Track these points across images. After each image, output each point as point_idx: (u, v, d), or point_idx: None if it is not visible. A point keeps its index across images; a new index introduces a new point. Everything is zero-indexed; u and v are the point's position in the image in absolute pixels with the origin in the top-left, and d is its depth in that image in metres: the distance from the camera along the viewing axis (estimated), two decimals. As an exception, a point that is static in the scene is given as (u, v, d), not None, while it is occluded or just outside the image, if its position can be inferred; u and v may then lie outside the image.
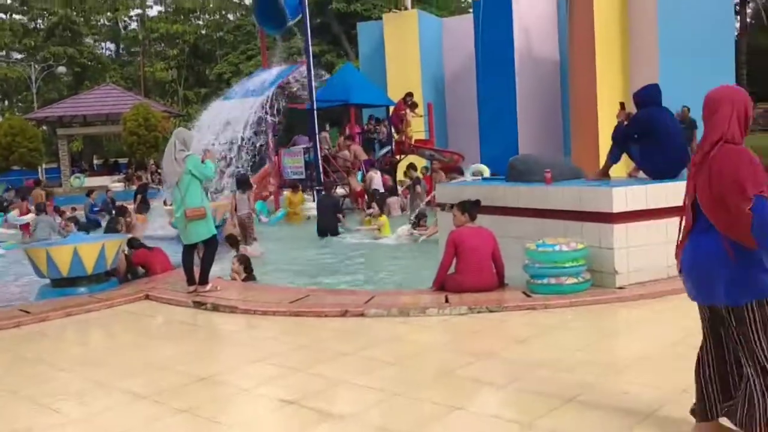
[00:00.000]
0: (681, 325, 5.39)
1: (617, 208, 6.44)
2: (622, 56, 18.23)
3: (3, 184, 33.39)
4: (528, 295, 6.41)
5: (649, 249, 6.61)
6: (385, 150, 19.23)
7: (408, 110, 18.83)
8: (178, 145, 7.58)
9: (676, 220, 6.66)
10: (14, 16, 49.62)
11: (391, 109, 19.74)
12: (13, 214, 15.91)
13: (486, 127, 20.37)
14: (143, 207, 14.98)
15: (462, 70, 22.84)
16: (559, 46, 21.24)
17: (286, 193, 16.41)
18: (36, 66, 43.25)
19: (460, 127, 23.04)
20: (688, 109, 15.54)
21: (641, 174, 7.56)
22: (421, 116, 20.11)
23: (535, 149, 19.03)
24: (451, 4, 44.86)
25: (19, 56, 48.66)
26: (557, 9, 21.67)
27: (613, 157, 7.23)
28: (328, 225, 12.87)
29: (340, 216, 13.51)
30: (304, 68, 17.37)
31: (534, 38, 20.84)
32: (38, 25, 47.97)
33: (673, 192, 6.67)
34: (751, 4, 35.16)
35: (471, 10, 26.43)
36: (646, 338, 5.29)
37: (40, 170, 37.64)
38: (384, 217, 12.17)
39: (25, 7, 48.46)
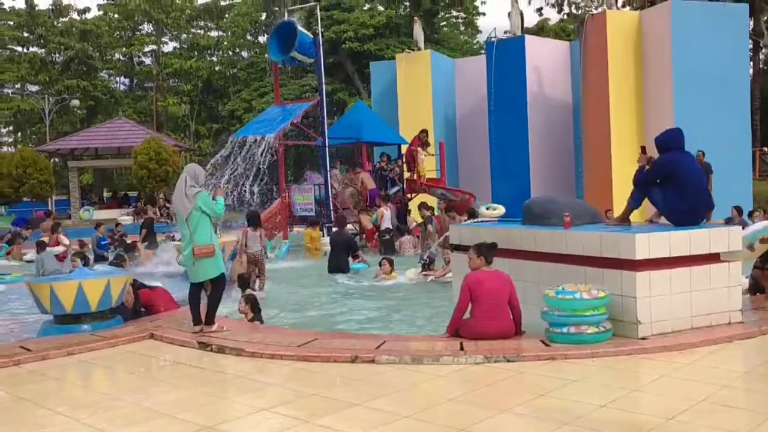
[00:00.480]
0: (709, 379, 5.14)
1: (640, 255, 6.21)
2: (636, 99, 18.19)
3: (13, 215, 33.48)
4: (547, 344, 6.15)
5: (673, 298, 6.37)
6: (396, 188, 19.10)
7: (420, 148, 18.74)
8: (188, 180, 7.43)
9: (700, 268, 6.52)
10: (32, 49, 50.30)
11: (404, 147, 19.68)
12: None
13: (498, 168, 20.26)
14: (150, 241, 14.83)
15: (474, 110, 22.85)
16: (572, 87, 21.22)
17: (306, 229, 16.19)
18: (50, 98, 43.68)
19: (472, 166, 22.96)
20: (703, 154, 15.37)
21: (662, 219, 7.34)
22: (432, 155, 20.00)
23: (547, 190, 18.90)
24: (464, 46, 45.28)
25: (35, 89, 49.21)
26: (570, 51, 21.73)
27: (634, 202, 7.03)
28: (339, 263, 12.66)
29: (360, 254, 13.34)
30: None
31: (546, 80, 20.86)
32: (55, 59, 48.58)
33: (696, 239, 6.48)
34: (763, 50, 35.19)
35: (483, 52, 26.56)
36: (672, 394, 5.01)
37: (50, 202, 37.77)
38: (395, 273, 11.87)
39: (43, 41, 49.13)
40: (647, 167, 7.02)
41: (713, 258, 6.55)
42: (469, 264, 6.78)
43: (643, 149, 6.62)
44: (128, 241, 15.75)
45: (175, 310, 8.91)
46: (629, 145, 17.61)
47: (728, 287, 6.61)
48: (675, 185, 6.68)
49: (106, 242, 17.79)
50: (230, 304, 8.75)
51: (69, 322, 7.94)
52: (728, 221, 13.16)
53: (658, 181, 6.82)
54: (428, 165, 19.77)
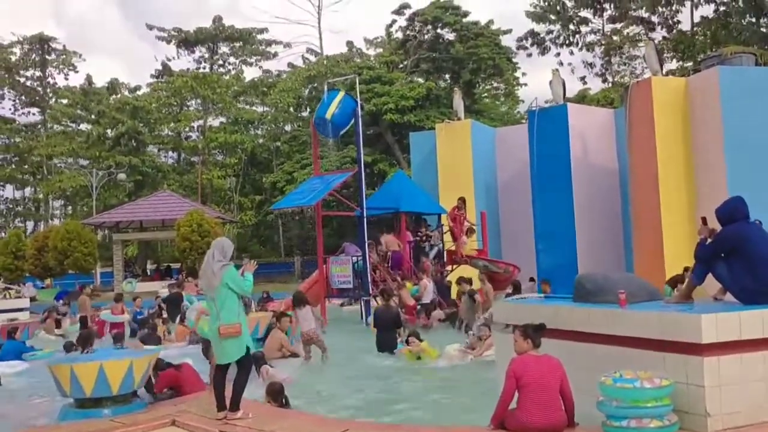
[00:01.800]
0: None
1: (707, 338, 5.55)
2: (686, 167, 17.52)
3: (57, 287, 33.83)
4: (604, 440, 5.48)
5: (746, 387, 5.66)
6: (435, 250, 18.60)
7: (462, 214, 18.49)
8: (216, 255, 7.08)
9: (774, 353, 5.82)
10: (83, 125, 52.06)
11: (443, 217, 19.28)
12: (107, 313, 16.26)
13: (542, 240, 19.56)
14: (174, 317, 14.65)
15: (516, 179, 22.37)
16: (618, 155, 20.65)
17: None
18: (98, 173, 44.78)
19: (514, 237, 22.33)
20: (760, 223, 14.57)
21: (728, 296, 6.67)
22: (474, 225, 19.55)
23: (595, 262, 18.12)
24: (504, 116, 45.31)
25: (85, 163, 50.61)
26: (614, 118, 21.27)
27: (697, 278, 6.40)
28: (387, 340, 12.01)
29: (401, 330, 12.57)
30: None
31: (590, 148, 20.34)
32: (107, 134, 50.13)
33: (770, 320, 5.80)
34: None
35: (524, 121, 26.31)
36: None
37: (95, 274, 38.21)
38: (425, 343, 11.23)
39: (98, 117, 50.80)
40: (709, 240, 6.41)
41: (791, 341, 5.84)
42: (515, 347, 6.19)
43: (704, 220, 6.10)
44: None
45: (202, 390, 8.46)
46: (680, 215, 16.86)
47: (809, 374, 5.87)
48: (743, 260, 6.06)
49: (142, 315, 17.56)
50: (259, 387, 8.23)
51: (89, 407, 7.55)
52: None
53: (723, 254, 6.21)
54: (470, 244, 19.28)
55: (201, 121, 54.05)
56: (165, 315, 17.23)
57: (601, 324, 6.44)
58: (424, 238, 18.92)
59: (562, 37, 48.13)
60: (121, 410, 7.49)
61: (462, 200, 18.99)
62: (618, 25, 46.87)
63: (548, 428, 5.75)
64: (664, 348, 5.85)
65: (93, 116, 51.73)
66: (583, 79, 49.41)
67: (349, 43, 52.87)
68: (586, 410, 5.86)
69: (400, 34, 47.17)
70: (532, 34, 48.14)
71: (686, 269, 14.47)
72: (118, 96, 53.66)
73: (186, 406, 7.62)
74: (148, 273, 38.97)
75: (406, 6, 45.91)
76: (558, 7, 46.59)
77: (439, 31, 44.50)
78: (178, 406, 7.74)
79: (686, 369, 5.66)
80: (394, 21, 47.56)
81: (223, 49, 58.29)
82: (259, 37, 56.73)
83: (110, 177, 45.27)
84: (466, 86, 41.86)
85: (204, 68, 57.10)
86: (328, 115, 16.84)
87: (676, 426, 5.52)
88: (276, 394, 7.67)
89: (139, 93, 55.08)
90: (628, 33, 46.51)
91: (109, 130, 50.22)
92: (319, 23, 54.04)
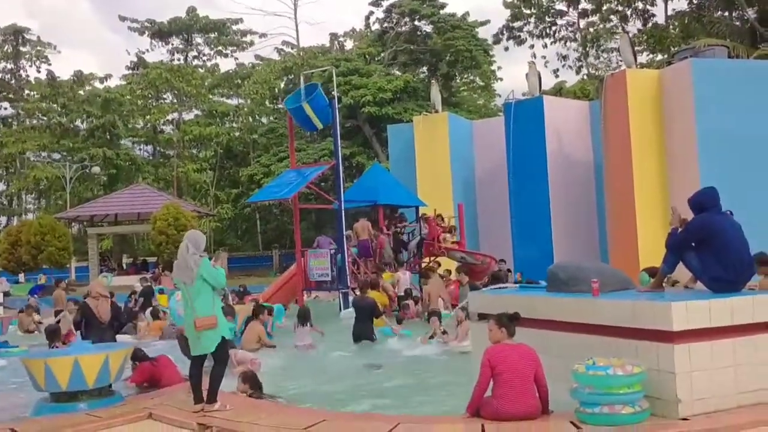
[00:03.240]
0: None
1: (678, 325, 5.65)
2: (659, 158, 17.75)
3: (31, 282, 33.40)
4: (578, 426, 5.56)
5: (715, 373, 5.77)
6: (416, 240, 18.68)
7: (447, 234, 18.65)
8: (190, 247, 7.04)
9: (744, 339, 5.94)
10: (54, 118, 51.26)
11: (422, 209, 19.37)
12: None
13: (519, 231, 19.75)
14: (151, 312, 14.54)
15: (493, 171, 22.52)
16: (593, 147, 20.86)
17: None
18: (71, 166, 44.23)
19: (491, 228, 22.49)
20: (731, 213, 14.82)
21: (698, 285, 6.79)
22: (452, 218, 19.66)
23: (571, 252, 18.33)
24: (481, 109, 45.49)
25: (58, 156, 49.95)
26: (590, 110, 21.47)
27: (668, 267, 6.51)
28: (363, 330, 12.12)
29: (383, 317, 12.78)
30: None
31: (566, 140, 20.54)
32: (77, 127, 49.44)
33: (739, 307, 5.92)
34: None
35: (501, 114, 26.43)
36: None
37: (70, 269, 37.76)
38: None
39: (65, 110, 50.11)
40: (680, 229, 6.52)
41: (759, 328, 5.96)
42: (490, 336, 6.25)
43: (674, 209, 6.21)
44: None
45: (179, 384, 8.43)
46: (654, 206, 17.08)
47: (777, 360, 6.00)
48: (714, 249, 6.18)
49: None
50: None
51: (64, 401, 7.47)
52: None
53: (693, 244, 6.32)
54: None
55: (176, 114, 53.56)
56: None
57: (575, 313, 6.53)
58: (402, 229, 18.98)
59: (538, 29, 48.49)
60: (97, 404, 7.43)
61: (440, 216, 19.12)
62: (593, 18, 47.27)
63: (523, 416, 5.82)
64: (636, 336, 5.95)
65: (60, 108, 50.97)
66: (556, 72, 49.80)
67: (333, 35, 52.72)
68: (561, 397, 5.94)
69: (377, 26, 47.13)
70: (508, 27, 48.42)
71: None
72: (89, 88, 52.88)
73: (163, 399, 7.59)
74: (124, 267, 38.58)
75: (383, -3, 45.88)
76: (533, 1, 46.95)
77: (416, 23, 44.53)
78: (155, 399, 7.70)
79: (657, 356, 5.75)
80: (371, 13, 47.53)
81: (198, 40, 57.77)
82: (234, 27, 56.31)
83: (84, 170, 44.73)
84: (443, 79, 41.95)
85: (178, 60, 56.54)
86: (318, 124, 16.94)
87: (648, 412, 5.62)
88: (252, 380, 7.67)
89: (111, 84, 54.37)
90: (603, 25, 46.89)
91: (79, 122, 49.55)
92: (295, 15, 53.62)
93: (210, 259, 7.22)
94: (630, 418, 5.50)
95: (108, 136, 48.77)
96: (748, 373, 5.86)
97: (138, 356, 8.76)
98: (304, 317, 12.16)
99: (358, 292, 14.44)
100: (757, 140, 17.18)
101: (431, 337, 11.30)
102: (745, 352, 5.89)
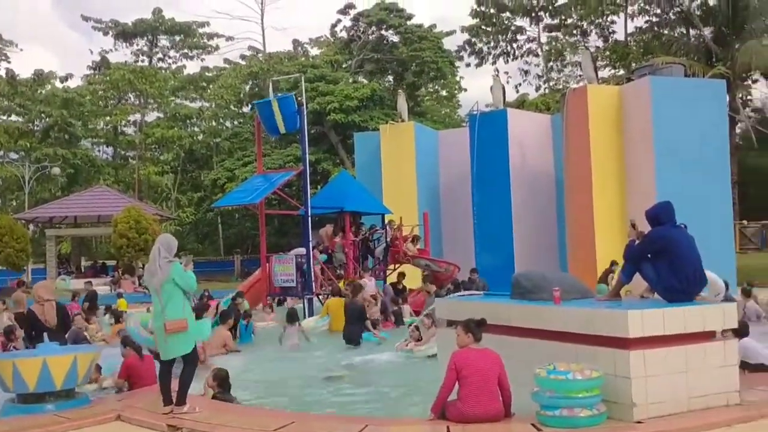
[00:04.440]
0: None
1: (633, 332, 5.95)
2: (618, 172, 18.27)
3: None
4: (538, 429, 5.81)
5: (669, 378, 6.08)
6: (382, 246, 18.88)
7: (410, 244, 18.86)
8: (162, 251, 7.13)
9: (695, 347, 6.27)
10: (12, 117, 50.21)
11: (387, 216, 19.57)
12: None
13: (482, 239, 20.15)
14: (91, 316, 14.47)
15: (457, 181, 22.87)
16: (554, 160, 21.36)
17: (331, 299, 15.55)
18: (30, 166, 43.38)
19: (455, 237, 22.82)
20: (686, 227, 15.36)
21: (654, 295, 7.13)
22: (415, 226, 19.90)
23: (531, 261, 18.74)
24: (446, 119, 45.99)
25: (15, 156, 48.90)
26: (551, 124, 21.98)
27: (626, 277, 6.83)
28: (353, 333, 12.39)
29: (368, 322, 13.02)
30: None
31: (529, 152, 21.01)
32: (35, 127, 48.51)
33: (691, 316, 6.25)
34: (738, 126, 35.97)
35: (465, 124, 26.84)
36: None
37: (27, 271, 36.99)
38: None
39: (23, 109, 49.15)
40: (638, 242, 6.84)
41: (708, 336, 6.30)
42: (457, 341, 6.47)
43: (633, 224, 6.50)
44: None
45: (151, 385, 8.47)
46: (612, 217, 17.58)
47: (725, 366, 6.34)
48: (668, 261, 6.50)
49: (78, 314, 17.19)
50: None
51: (32, 402, 7.48)
52: (717, 295, 12.99)
53: (649, 255, 6.63)
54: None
55: (138, 116, 52.91)
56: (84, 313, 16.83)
57: (537, 320, 6.79)
58: (370, 235, 19.14)
59: (498, 48, 49.56)
60: (64, 405, 7.46)
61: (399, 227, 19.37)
62: (554, 34, 48.31)
63: (486, 418, 6.05)
64: (594, 342, 6.23)
65: (18, 108, 49.91)
66: (517, 87, 50.68)
67: (295, 41, 52.72)
68: (523, 401, 6.18)
69: (344, 34, 47.34)
70: (470, 43, 49.36)
71: (613, 263, 15.25)
72: (49, 88, 51.91)
73: (131, 401, 7.63)
74: (83, 270, 37.99)
75: (351, 6, 46.11)
76: (494, 19, 47.91)
77: (383, 32, 44.85)
78: (124, 401, 7.75)
79: (614, 362, 6.04)
80: (338, 21, 47.73)
81: (164, 42, 57.23)
82: (201, 30, 55.93)
83: (43, 170, 43.94)
84: (409, 88, 42.32)
85: (143, 61, 55.92)
86: (281, 128, 17.02)
87: (605, 415, 5.89)
88: (222, 380, 7.74)
89: (71, 84, 53.45)
90: (566, 39, 47.89)
91: (37, 122, 48.61)
92: (262, 20, 53.57)
93: (180, 263, 7.31)
94: (588, 421, 5.77)
95: (66, 136, 47.91)
96: (699, 379, 6.18)
97: (128, 343, 8.82)
98: (292, 317, 12.53)
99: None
100: (710, 156, 17.85)
101: (407, 344, 11.45)
102: (696, 358, 6.21)
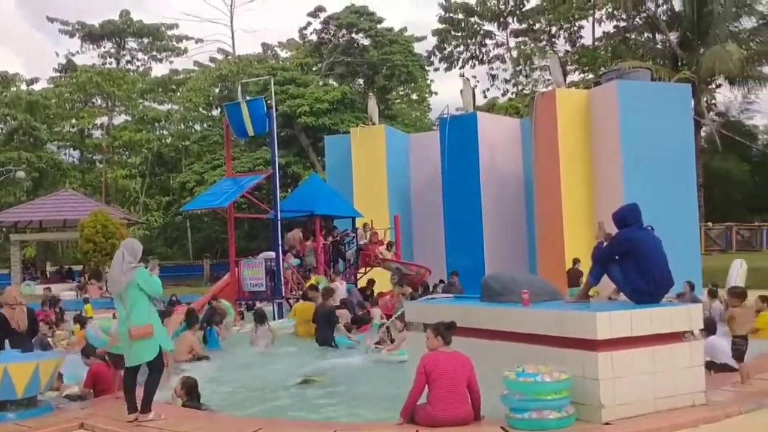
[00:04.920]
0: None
1: (601, 334, 5.97)
2: (586, 175, 18.46)
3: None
4: (507, 431, 5.80)
5: (636, 380, 6.11)
6: (353, 249, 18.82)
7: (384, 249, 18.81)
8: (126, 256, 7.00)
9: (662, 348, 6.31)
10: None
11: (358, 221, 19.52)
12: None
13: (452, 241, 20.20)
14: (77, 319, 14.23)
15: (428, 184, 22.91)
16: (523, 163, 21.51)
17: (299, 302, 15.32)
18: (-6, 169, 42.50)
19: (426, 240, 22.84)
20: (652, 229, 15.53)
21: (621, 296, 7.17)
22: (387, 229, 19.89)
23: (502, 264, 18.82)
24: (417, 122, 46.06)
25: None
26: (521, 127, 22.13)
27: (594, 279, 6.86)
28: (326, 336, 12.33)
29: (340, 325, 12.96)
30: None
31: (498, 155, 21.12)
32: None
33: (658, 318, 6.29)
34: (703, 130, 36.59)
35: (435, 128, 26.91)
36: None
37: (-10, 276, 36.19)
38: None
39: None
40: (605, 243, 6.88)
41: (675, 337, 6.35)
42: (427, 344, 6.44)
43: (600, 225, 6.57)
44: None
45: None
46: (581, 219, 17.75)
47: (691, 367, 6.41)
48: (635, 262, 6.54)
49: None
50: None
51: (-9, 411, 7.29)
52: (680, 296, 13.17)
53: (617, 257, 6.67)
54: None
55: (105, 118, 52.14)
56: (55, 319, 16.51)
57: (506, 322, 6.79)
58: (342, 238, 19.07)
59: (467, 53, 49.89)
60: (26, 414, 7.28)
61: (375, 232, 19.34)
62: (522, 39, 48.69)
63: (455, 421, 6.02)
64: (563, 344, 6.25)
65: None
66: (485, 92, 50.99)
67: (265, 44, 52.39)
68: (493, 404, 6.17)
69: (314, 37, 47.19)
70: (439, 48, 49.63)
71: (575, 261, 15.42)
72: (14, 90, 50.92)
73: (95, 409, 7.49)
74: (48, 275, 37.29)
75: (321, 9, 45.98)
76: (463, 24, 48.23)
77: (353, 35, 44.79)
78: (87, 409, 7.59)
79: (583, 363, 6.06)
80: (308, 23, 47.55)
81: (131, 44, 56.52)
82: (169, 33, 55.33)
83: (7, 174, 43.07)
84: (379, 91, 42.32)
85: (110, 64, 55.15)
86: (249, 130, 16.93)
87: (573, 417, 5.90)
88: (191, 389, 7.62)
89: (37, 87, 52.48)
90: (534, 45, 48.29)
91: (1, 125, 47.65)
92: (231, 22, 53.11)
93: (146, 267, 7.19)
94: (557, 423, 5.78)
95: (31, 140, 47.03)
96: (666, 380, 6.23)
97: (89, 353, 8.62)
98: (261, 318, 12.64)
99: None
100: (676, 159, 18.12)
101: (377, 344, 11.41)
102: (663, 359, 6.26)
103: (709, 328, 7.94)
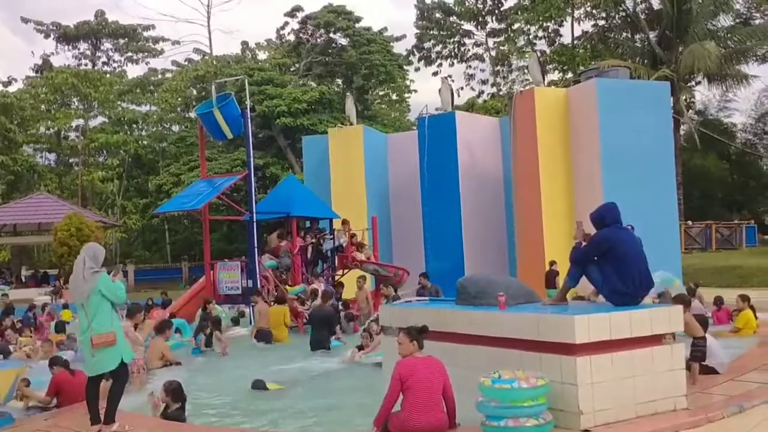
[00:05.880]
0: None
1: (580, 338, 5.79)
2: (565, 174, 18.35)
3: None
4: (483, 440, 5.60)
5: (616, 385, 5.94)
6: (331, 243, 18.54)
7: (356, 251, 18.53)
8: (88, 261, 6.71)
9: (642, 351, 6.14)
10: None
11: (335, 222, 19.24)
12: None
13: (431, 243, 19.99)
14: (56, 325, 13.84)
15: (407, 184, 22.70)
16: (503, 163, 21.37)
17: (273, 306, 14.97)
18: (-35, 173, 41.74)
19: (405, 241, 22.62)
20: (633, 228, 15.42)
21: (600, 298, 6.99)
22: (365, 242, 19.61)
23: (481, 265, 18.64)
24: (396, 122, 45.85)
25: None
26: (500, 127, 21.98)
27: (572, 281, 6.67)
28: (319, 339, 12.17)
29: (336, 329, 12.86)
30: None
31: (477, 155, 20.95)
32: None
33: (637, 320, 6.12)
34: (682, 128, 36.73)
35: (414, 128, 26.69)
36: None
37: (-38, 281, 35.49)
38: None
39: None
40: (584, 243, 6.69)
41: (655, 340, 6.18)
42: (400, 350, 6.21)
43: (579, 224, 6.39)
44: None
45: (79, 402, 8.00)
46: (560, 219, 17.63)
47: (672, 371, 6.24)
48: (614, 263, 6.36)
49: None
50: (136, 397, 7.87)
51: (-53, 424, 6.99)
52: (661, 296, 13.04)
53: (595, 258, 6.49)
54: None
55: (81, 120, 51.38)
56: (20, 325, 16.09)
57: (482, 326, 6.59)
58: (320, 239, 18.77)
59: (446, 51, 49.77)
60: (-17, 427, 6.99)
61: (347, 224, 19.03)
62: (500, 38, 48.67)
63: (430, 429, 5.82)
64: (540, 348, 6.06)
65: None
66: (458, 91, 50.95)
67: (244, 44, 51.94)
68: (468, 411, 5.96)
69: (292, 37, 46.83)
70: (418, 48, 49.51)
71: (552, 263, 15.31)
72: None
73: (58, 420, 7.20)
74: (23, 280, 36.64)
75: (298, 9, 45.61)
76: (441, 22, 48.15)
77: (332, 35, 44.49)
78: (50, 420, 7.30)
79: (561, 368, 5.87)
80: (286, 23, 47.18)
81: (107, 45, 55.79)
82: (146, 34, 54.70)
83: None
84: (358, 91, 42.04)
85: (86, 65, 54.38)
86: (227, 133, 16.67)
87: (552, 424, 5.71)
88: (175, 392, 7.25)
89: (13, 88, 51.61)
90: (513, 44, 48.27)
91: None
92: (208, 22, 52.54)
93: (109, 273, 6.90)
94: (534, 430, 5.58)
95: (6, 142, 46.20)
96: (646, 384, 6.06)
97: (58, 362, 8.31)
98: (217, 324, 12.65)
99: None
100: (655, 157, 18.05)
101: (361, 349, 11.18)
102: (643, 363, 6.09)
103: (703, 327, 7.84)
